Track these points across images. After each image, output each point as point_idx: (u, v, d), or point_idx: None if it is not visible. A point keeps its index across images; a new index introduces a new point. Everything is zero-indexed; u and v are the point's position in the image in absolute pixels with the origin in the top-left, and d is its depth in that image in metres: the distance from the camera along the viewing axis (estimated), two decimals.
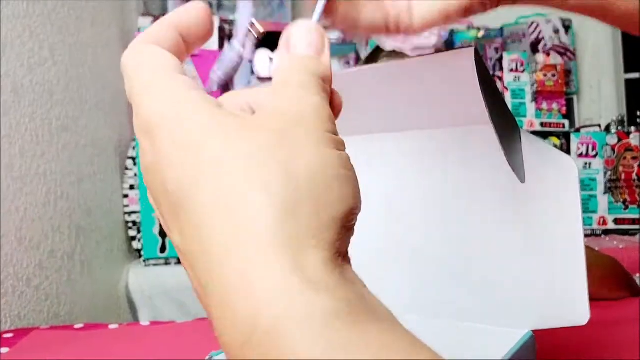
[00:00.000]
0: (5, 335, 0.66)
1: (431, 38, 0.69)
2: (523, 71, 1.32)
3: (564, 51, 1.55)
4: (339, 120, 0.36)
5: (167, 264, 1.15)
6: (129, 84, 0.19)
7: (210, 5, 1.41)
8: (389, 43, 0.70)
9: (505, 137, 0.31)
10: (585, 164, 1.27)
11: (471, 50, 0.30)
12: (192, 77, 0.19)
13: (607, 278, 0.66)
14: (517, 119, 1.30)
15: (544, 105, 1.33)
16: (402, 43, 0.70)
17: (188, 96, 0.17)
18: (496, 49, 1.47)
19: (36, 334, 0.66)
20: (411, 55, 0.69)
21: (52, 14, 0.94)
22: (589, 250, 0.72)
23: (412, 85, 0.35)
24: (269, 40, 1.45)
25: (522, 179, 0.33)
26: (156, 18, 1.21)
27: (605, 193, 1.27)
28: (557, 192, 0.33)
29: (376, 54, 0.74)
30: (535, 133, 1.31)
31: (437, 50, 0.70)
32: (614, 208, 1.27)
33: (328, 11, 0.22)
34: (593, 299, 0.62)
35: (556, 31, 1.55)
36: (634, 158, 1.27)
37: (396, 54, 0.70)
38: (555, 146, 1.30)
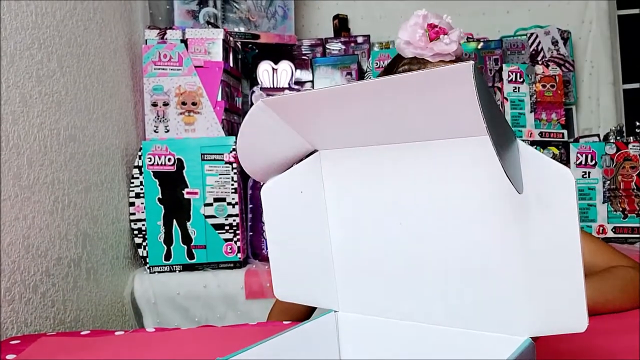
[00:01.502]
0: (12, 342, 0.66)
1: (451, 45, 0.69)
2: (522, 82, 1.33)
3: (563, 62, 1.57)
4: (345, 132, 0.38)
5: (171, 271, 1.16)
6: None
7: (216, 18, 1.43)
8: (409, 50, 0.71)
9: (502, 149, 0.32)
10: (584, 173, 1.28)
11: (469, 65, 0.31)
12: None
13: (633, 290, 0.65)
14: (516, 129, 1.30)
15: (543, 116, 1.34)
16: (423, 50, 0.70)
17: None
18: (496, 60, 1.49)
19: (43, 340, 0.66)
20: (432, 61, 0.70)
21: (60, 25, 0.96)
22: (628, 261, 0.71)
23: (414, 99, 0.36)
24: (272, 52, 1.48)
25: (520, 190, 0.34)
26: (162, 30, 1.23)
27: (604, 202, 1.28)
28: (555, 202, 0.34)
29: (397, 61, 0.74)
30: (534, 143, 1.32)
31: (457, 59, 0.71)
32: (613, 217, 1.27)
33: None
34: (613, 311, 0.62)
35: (555, 42, 1.57)
36: (632, 167, 1.28)
37: (417, 60, 0.71)
38: (554, 156, 1.31)
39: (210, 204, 1.16)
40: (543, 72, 1.35)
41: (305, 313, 0.82)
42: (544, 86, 1.34)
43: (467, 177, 0.38)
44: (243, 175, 1.20)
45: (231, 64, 1.30)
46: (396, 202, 0.42)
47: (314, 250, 0.46)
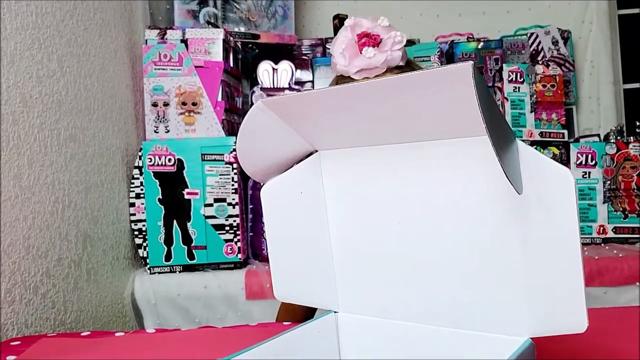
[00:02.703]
0: (13, 343, 0.66)
1: (377, 57, 0.63)
2: (522, 82, 1.33)
3: (563, 62, 1.57)
4: (344, 133, 0.37)
5: (172, 271, 1.16)
6: None
7: (216, 18, 1.43)
8: (337, 67, 0.67)
9: (502, 149, 0.32)
10: (585, 173, 1.28)
11: (469, 65, 0.31)
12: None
13: None
14: (516, 129, 1.29)
15: (544, 116, 1.34)
16: (346, 67, 0.65)
17: None
18: (496, 60, 1.49)
19: (43, 341, 0.66)
20: (357, 79, 0.66)
21: (60, 25, 0.96)
22: None
23: (413, 99, 0.36)
24: (272, 52, 1.48)
25: (520, 190, 0.34)
26: (162, 30, 1.23)
27: (604, 202, 1.28)
28: (554, 202, 0.34)
29: (333, 80, 0.73)
30: (534, 143, 1.32)
31: (396, 67, 0.67)
32: (613, 217, 1.27)
33: None
34: None
35: (555, 42, 1.57)
36: (633, 167, 1.28)
37: (343, 78, 0.67)
38: (555, 156, 1.31)
39: (211, 205, 1.16)
40: (543, 72, 1.35)
41: (309, 313, 0.83)
42: (544, 86, 1.34)
43: (466, 178, 0.38)
44: (243, 176, 1.20)
45: (231, 64, 1.30)
46: (396, 202, 0.42)
47: (314, 251, 0.46)
